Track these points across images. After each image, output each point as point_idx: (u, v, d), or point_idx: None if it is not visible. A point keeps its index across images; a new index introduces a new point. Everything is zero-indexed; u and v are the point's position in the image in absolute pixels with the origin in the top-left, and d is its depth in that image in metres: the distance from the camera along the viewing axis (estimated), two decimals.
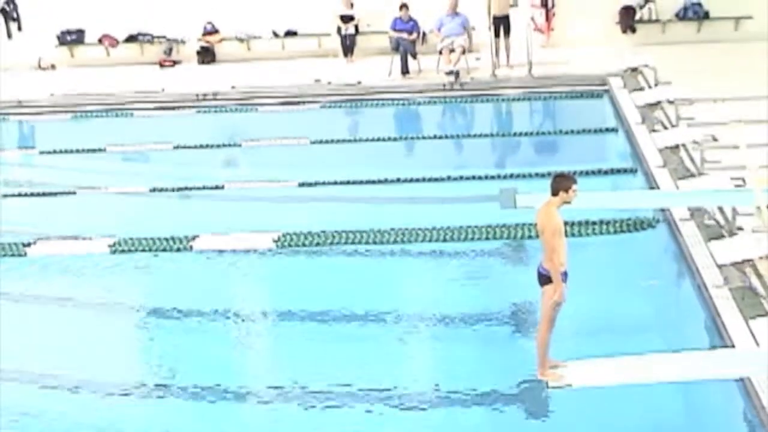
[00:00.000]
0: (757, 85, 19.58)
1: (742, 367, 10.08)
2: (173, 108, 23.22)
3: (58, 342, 12.34)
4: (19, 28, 26.66)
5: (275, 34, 26.98)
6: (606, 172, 16.64)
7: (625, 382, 9.85)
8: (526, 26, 23.72)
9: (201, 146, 20.23)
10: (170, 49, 27.03)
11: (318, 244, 14.58)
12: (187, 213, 16.95)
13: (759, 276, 11.81)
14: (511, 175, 17.06)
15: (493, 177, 17.02)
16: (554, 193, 9.92)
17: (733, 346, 10.60)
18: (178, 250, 14.63)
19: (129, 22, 27.09)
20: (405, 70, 23.86)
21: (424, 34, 24.75)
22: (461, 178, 17.16)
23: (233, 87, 23.73)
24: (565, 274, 9.86)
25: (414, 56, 24.02)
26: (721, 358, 10.49)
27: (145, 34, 27.24)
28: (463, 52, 23.28)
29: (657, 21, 26.04)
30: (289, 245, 14.58)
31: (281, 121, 22.16)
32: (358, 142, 20.60)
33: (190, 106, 23.22)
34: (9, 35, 26.41)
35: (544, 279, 9.90)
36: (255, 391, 10.91)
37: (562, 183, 9.92)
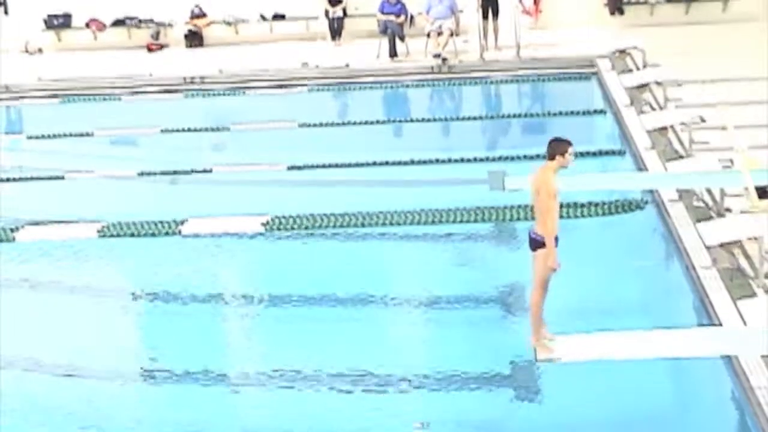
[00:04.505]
0: (745, 66, 19.62)
1: (732, 344, 10.08)
2: (161, 92, 23.17)
3: (47, 327, 12.33)
4: (6, 12, 26.56)
5: (263, 18, 26.95)
6: (594, 154, 16.65)
7: (614, 357, 9.84)
8: (514, 8, 23.72)
9: (189, 130, 20.22)
10: (158, 33, 26.97)
11: (307, 227, 14.57)
12: (175, 197, 16.94)
13: (747, 257, 11.82)
14: (500, 158, 17.07)
15: (481, 159, 17.03)
16: (551, 158, 9.86)
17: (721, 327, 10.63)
18: (167, 234, 14.61)
19: (116, 6, 27.04)
20: (393, 53, 23.84)
21: (411, 16, 24.73)
22: (450, 160, 17.16)
23: (221, 71, 23.69)
24: (556, 239, 9.84)
25: (402, 39, 24.00)
26: (710, 335, 10.49)
27: (132, 18, 27.18)
28: (451, 36, 23.27)
29: (645, 3, 26.06)
30: (278, 229, 14.57)
31: (269, 105, 22.14)
32: (346, 125, 20.58)
33: (177, 90, 23.17)
34: None
35: (536, 244, 9.85)
36: (245, 375, 10.92)
37: (558, 147, 9.85)
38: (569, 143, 9.87)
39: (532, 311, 10.03)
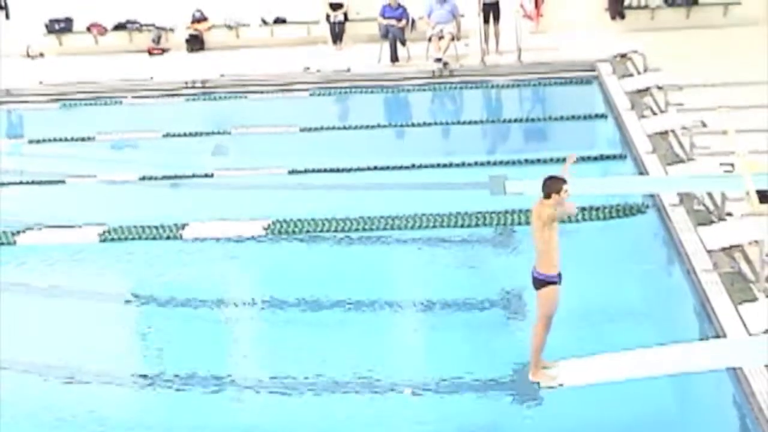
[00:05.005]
0: (746, 70, 19.64)
1: (735, 358, 10.03)
2: (162, 96, 23.18)
3: (48, 331, 12.33)
4: (7, 17, 26.56)
5: (264, 22, 26.94)
6: (595, 158, 16.65)
7: (617, 379, 9.81)
8: (515, 12, 23.72)
9: (190, 134, 20.21)
10: (159, 37, 26.97)
11: (308, 231, 14.58)
12: (176, 201, 16.95)
13: (748, 261, 11.84)
14: (501, 162, 17.07)
15: (482, 164, 17.03)
16: (547, 196, 9.89)
17: (722, 332, 10.62)
18: (168, 238, 14.62)
19: (117, 10, 27.03)
20: (394, 58, 23.84)
21: (413, 21, 24.73)
22: (451, 165, 17.17)
23: (222, 75, 23.69)
24: (559, 276, 9.86)
25: (403, 43, 24.00)
26: (712, 349, 10.44)
27: (133, 22, 27.17)
28: (453, 40, 23.28)
29: (646, 7, 26.05)
30: (279, 233, 14.58)
31: (271, 109, 22.13)
32: (347, 129, 20.58)
33: (179, 94, 23.18)
34: None
35: (539, 283, 9.88)
36: (246, 379, 10.92)
37: (553, 186, 9.89)
38: (564, 181, 9.91)
39: (533, 347, 9.99)
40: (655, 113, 17.95)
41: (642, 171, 15.67)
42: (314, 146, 19.18)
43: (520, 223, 14.14)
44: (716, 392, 10.15)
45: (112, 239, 14.67)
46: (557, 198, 9.84)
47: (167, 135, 20.13)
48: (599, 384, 9.86)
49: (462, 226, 14.43)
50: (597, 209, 14.43)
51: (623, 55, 21.67)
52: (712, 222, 12.92)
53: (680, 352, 10.13)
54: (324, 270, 13.67)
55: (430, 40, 23.41)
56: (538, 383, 10.01)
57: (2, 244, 14.73)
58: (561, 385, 9.86)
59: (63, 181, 17.57)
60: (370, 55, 24.12)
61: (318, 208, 15.35)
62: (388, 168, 17.06)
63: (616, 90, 19.96)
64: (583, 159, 16.18)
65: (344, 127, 20.76)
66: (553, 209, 9.78)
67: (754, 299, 11.04)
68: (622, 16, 25.95)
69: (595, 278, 12.44)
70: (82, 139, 20.22)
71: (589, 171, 15.80)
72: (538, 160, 16.63)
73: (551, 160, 15.93)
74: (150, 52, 26.70)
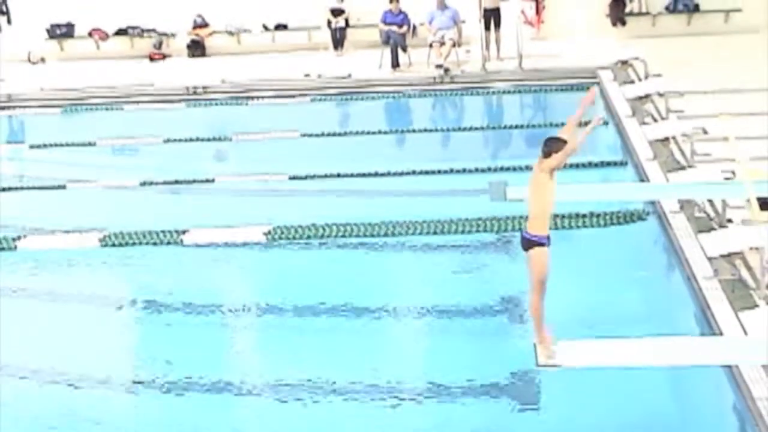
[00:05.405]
0: (747, 77, 19.65)
1: (733, 353, 10.06)
2: (163, 102, 23.20)
3: (48, 336, 12.33)
4: (9, 22, 26.60)
5: (265, 28, 26.99)
6: (596, 165, 16.65)
7: (615, 364, 9.83)
8: (516, 19, 23.77)
9: (191, 140, 20.22)
10: (160, 43, 27.02)
11: (309, 237, 14.58)
12: (177, 207, 16.94)
13: (749, 268, 11.83)
14: (502, 168, 17.07)
15: (483, 170, 17.03)
16: (546, 155, 9.90)
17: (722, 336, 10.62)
18: (169, 243, 14.62)
19: (119, 15, 27.08)
20: (395, 64, 23.88)
21: (414, 27, 24.76)
22: (452, 171, 17.17)
23: (223, 80, 23.72)
24: (548, 238, 9.86)
25: (404, 49, 24.04)
26: (711, 344, 10.48)
27: (135, 28, 27.22)
28: (454, 46, 23.32)
29: (647, 14, 26.11)
30: (280, 238, 14.57)
31: (272, 115, 22.16)
32: (348, 135, 20.58)
33: (180, 100, 23.21)
34: None
35: (530, 243, 9.88)
36: (246, 385, 10.91)
37: (554, 145, 9.89)
38: (565, 141, 9.92)
39: (532, 312, 10.01)
40: (656, 120, 17.96)
41: (643, 178, 15.67)
42: (315, 152, 19.19)
43: (520, 229, 14.07)
44: (716, 398, 10.14)
45: (113, 244, 14.66)
46: (557, 157, 9.81)
47: (168, 140, 20.14)
48: (598, 381, 9.87)
49: (463, 232, 14.42)
50: (597, 216, 14.42)
51: (624, 62, 21.70)
52: (712, 229, 12.91)
53: (682, 345, 10.14)
54: (324, 276, 13.67)
55: (431, 46, 23.46)
56: (536, 359, 9.92)
57: (3, 249, 14.72)
58: (559, 365, 9.84)
59: (64, 186, 17.57)
60: (371, 61, 24.17)
61: (319, 214, 15.35)
62: (389, 174, 17.06)
63: (617, 96, 19.97)
64: (583, 165, 16.26)
65: (345, 133, 20.76)
66: (557, 160, 9.75)
67: (755, 306, 11.03)
68: (623, 23, 26.00)
69: (595, 285, 12.44)
70: (83, 145, 20.24)
71: (590, 177, 15.81)
72: None
73: None
74: (151, 58, 26.75)
